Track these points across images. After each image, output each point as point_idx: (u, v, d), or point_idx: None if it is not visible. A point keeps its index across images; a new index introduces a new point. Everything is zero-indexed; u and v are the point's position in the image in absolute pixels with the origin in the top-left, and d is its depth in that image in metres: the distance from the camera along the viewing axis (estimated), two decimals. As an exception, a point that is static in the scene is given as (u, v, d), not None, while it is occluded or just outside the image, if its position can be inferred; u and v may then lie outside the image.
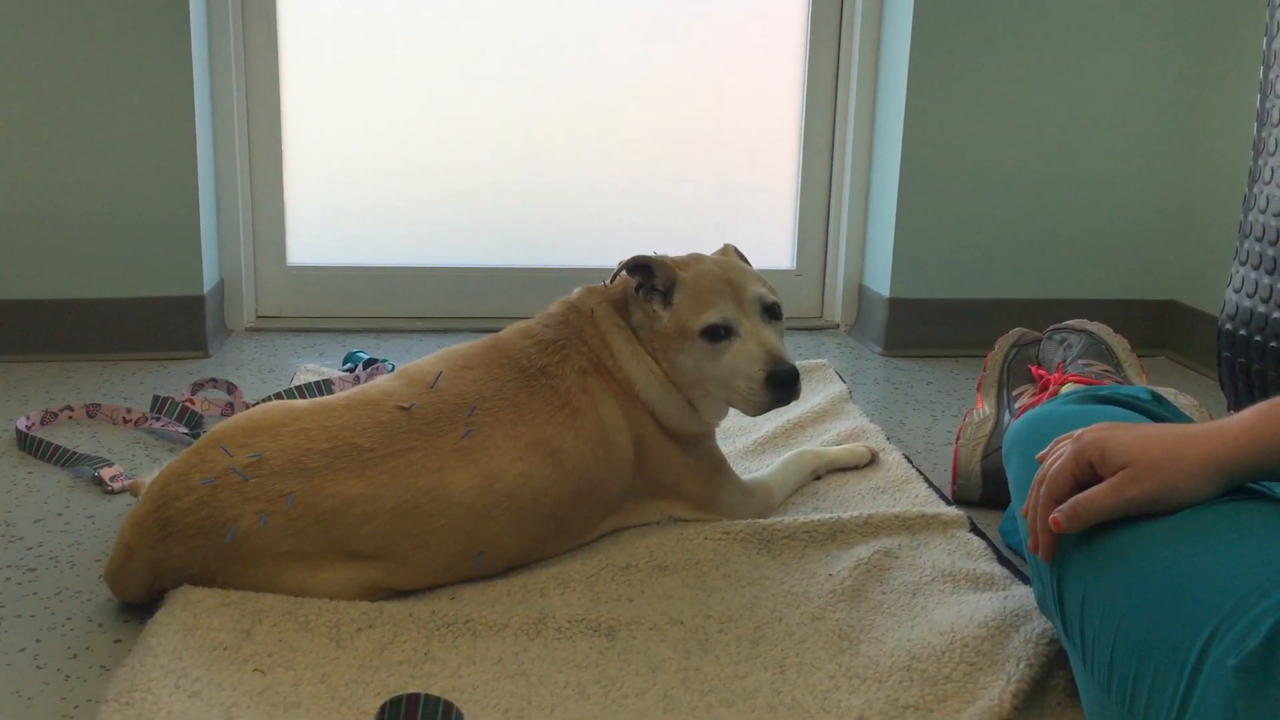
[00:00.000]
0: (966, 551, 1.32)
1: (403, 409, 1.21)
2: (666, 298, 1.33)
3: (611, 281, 1.38)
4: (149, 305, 2.14)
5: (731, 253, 1.45)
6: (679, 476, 1.36)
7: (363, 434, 1.18)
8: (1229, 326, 1.58)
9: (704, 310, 1.30)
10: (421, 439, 1.19)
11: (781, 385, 1.27)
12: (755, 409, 1.30)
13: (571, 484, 1.26)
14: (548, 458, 1.24)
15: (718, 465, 1.40)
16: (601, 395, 1.31)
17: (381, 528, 1.15)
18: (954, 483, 1.53)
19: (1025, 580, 1.23)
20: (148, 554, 1.13)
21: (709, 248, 1.46)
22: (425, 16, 2.36)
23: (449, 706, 0.95)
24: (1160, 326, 2.37)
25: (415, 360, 1.34)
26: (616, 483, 1.31)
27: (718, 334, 1.30)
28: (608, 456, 1.29)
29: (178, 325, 2.15)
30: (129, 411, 1.77)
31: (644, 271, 1.34)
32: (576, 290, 1.40)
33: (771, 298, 1.34)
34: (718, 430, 1.43)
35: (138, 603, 1.17)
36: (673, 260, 1.35)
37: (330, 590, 1.14)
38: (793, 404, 1.31)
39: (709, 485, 1.38)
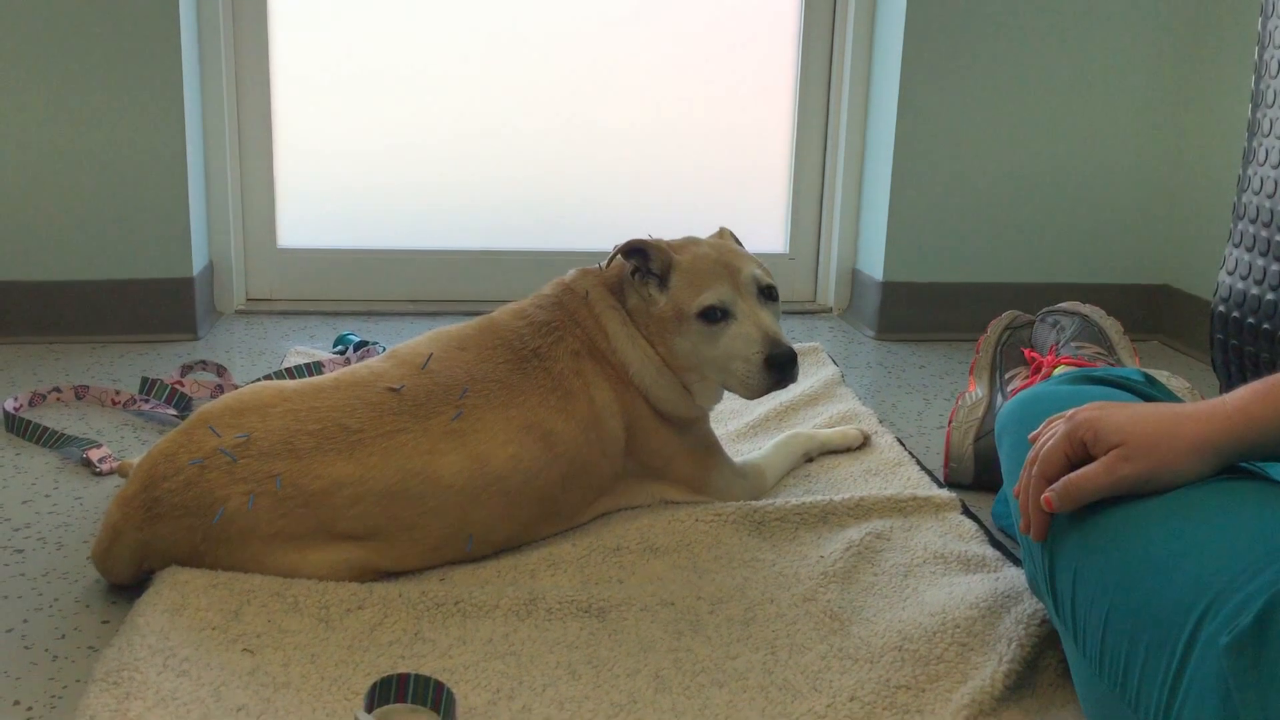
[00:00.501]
0: (958, 534, 1.32)
1: (393, 390, 1.20)
2: (662, 281, 1.33)
3: (607, 265, 1.37)
4: (138, 287, 2.13)
5: (726, 236, 1.45)
6: (671, 459, 1.36)
7: (352, 415, 1.17)
8: (1221, 309, 1.58)
9: (700, 292, 1.29)
10: (411, 421, 1.18)
11: (779, 367, 1.27)
12: (753, 392, 1.29)
13: (562, 467, 1.25)
14: (539, 440, 1.23)
15: (710, 448, 1.40)
16: (594, 378, 1.30)
17: (370, 509, 1.14)
18: (946, 465, 1.53)
19: (1016, 562, 1.23)
20: (135, 535, 1.12)
21: (703, 232, 1.45)
22: (416, -3, 2.34)
23: (439, 686, 0.94)
24: (1153, 311, 2.37)
25: (407, 341, 1.33)
26: (608, 465, 1.31)
27: (714, 316, 1.29)
28: (599, 439, 1.29)
29: (167, 307, 2.14)
30: (117, 393, 1.76)
31: (639, 255, 1.33)
32: (571, 272, 1.39)
33: (767, 280, 1.33)
34: (710, 413, 1.43)
35: (125, 584, 1.16)
36: (668, 243, 1.34)
37: (319, 571, 1.14)
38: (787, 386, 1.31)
39: (701, 468, 1.38)
